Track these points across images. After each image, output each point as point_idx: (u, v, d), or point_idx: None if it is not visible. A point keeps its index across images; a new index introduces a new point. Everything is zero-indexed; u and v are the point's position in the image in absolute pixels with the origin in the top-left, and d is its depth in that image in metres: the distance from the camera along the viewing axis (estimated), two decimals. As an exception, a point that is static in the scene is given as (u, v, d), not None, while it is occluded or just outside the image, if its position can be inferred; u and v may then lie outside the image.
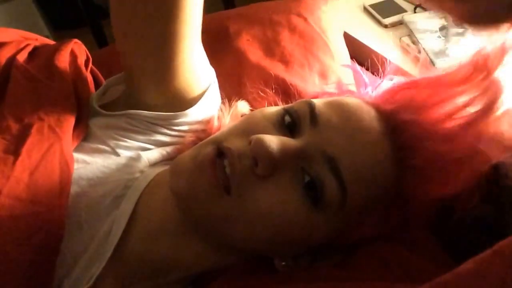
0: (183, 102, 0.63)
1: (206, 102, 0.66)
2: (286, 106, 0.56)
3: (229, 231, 0.50)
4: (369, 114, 0.53)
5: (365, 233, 0.54)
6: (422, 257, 0.52)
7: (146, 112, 0.62)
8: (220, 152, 0.49)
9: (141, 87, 0.62)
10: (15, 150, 0.53)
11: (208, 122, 0.67)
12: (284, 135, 0.51)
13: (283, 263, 0.55)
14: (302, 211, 0.48)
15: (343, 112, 0.52)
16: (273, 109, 0.55)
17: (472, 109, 0.52)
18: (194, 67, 0.61)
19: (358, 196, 0.49)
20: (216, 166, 0.48)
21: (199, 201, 0.49)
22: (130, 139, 0.62)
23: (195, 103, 0.64)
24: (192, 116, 0.64)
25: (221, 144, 0.50)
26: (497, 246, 0.33)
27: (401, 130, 0.52)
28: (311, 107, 0.52)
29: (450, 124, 0.52)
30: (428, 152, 0.50)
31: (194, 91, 0.64)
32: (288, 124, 0.53)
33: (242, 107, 0.72)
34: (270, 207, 0.48)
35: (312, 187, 0.48)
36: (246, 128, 0.53)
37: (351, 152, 0.49)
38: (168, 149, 0.64)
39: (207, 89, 0.65)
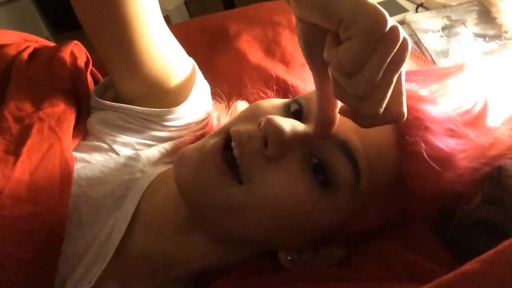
0: (168, 95, 0.64)
1: (197, 96, 0.66)
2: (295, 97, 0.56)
3: (236, 220, 0.50)
4: None
5: (368, 225, 0.54)
6: (424, 257, 0.52)
7: (139, 108, 0.62)
8: (228, 139, 0.49)
9: (116, 79, 0.64)
10: (15, 151, 0.53)
11: (205, 120, 0.68)
12: None
13: (288, 258, 0.55)
14: (310, 195, 0.48)
15: None
16: (279, 99, 0.55)
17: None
18: (162, 53, 0.62)
19: (367, 181, 0.49)
20: (224, 154, 0.48)
21: (206, 189, 0.49)
22: (125, 135, 0.63)
23: (185, 98, 0.64)
24: (184, 111, 0.65)
25: (229, 130, 0.50)
26: (500, 246, 0.33)
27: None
28: None
29: (453, 122, 0.52)
30: (429, 142, 0.50)
31: (173, 81, 0.64)
32: (295, 112, 0.53)
33: (242, 107, 0.72)
34: (279, 191, 0.48)
35: (320, 170, 0.48)
36: (254, 114, 0.52)
37: (360, 136, 0.49)
38: (167, 145, 0.65)
39: (194, 83, 0.66)
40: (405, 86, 0.39)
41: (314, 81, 0.43)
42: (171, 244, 0.55)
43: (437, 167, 0.50)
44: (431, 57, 0.89)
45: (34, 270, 0.48)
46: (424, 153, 0.49)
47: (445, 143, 0.50)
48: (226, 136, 0.50)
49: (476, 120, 0.53)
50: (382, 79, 0.35)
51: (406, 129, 0.52)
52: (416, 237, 0.55)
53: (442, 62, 0.87)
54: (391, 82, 0.36)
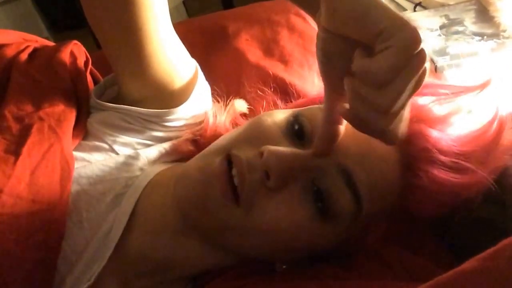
0: (171, 96, 0.64)
1: (197, 97, 0.66)
2: (296, 111, 0.54)
3: (235, 239, 0.51)
4: None
5: (367, 243, 0.55)
6: (424, 256, 0.52)
7: (140, 108, 0.62)
8: (229, 160, 0.49)
9: (120, 79, 0.64)
10: (15, 150, 0.53)
11: (203, 118, 0.68)
12: (294, 143, 0.51)
13: (284, 267, 0.55)
14: (311, 224, 0.48)
15: None
16: (282, 115, 0.54)
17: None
18: (169, 56, 0.62)
19: (369, 209, 0.49)
20: (228, 176, 0.48)
21: (209, 211, 0.49)
22: (126, 136, 0.63)
23: (186, 99, 0.64)
24: (185, 112, 0.65)
25: (229, 151, 0.50)
26: (500, 245, 0.33)
27: (409, 146, 0.52)
28: None
29: (458, 151, 0.51)
30: (433, 177, 0.50)
31: (176, 82, 0.64)
32: (299, 132, 0.52)
33: (239, 105, 0.72)
34: (279, 220, 0.48)
35: (320, 198, 0.48)
36: (256, 136, 0.52)
37: (364, 165, 0.48)
38: (166, 145, 0.65)
39: (196, 84, 0.66)
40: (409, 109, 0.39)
41: (325, 94, 0.42)
42: (169, 244, 0.55)
43: (436, 201, 0.50)
44: (429, 56, 0.89)
45: (34, 267, 0.48)
46: (426, 187, 0.49)
47: (450, 179, 0.50)
48: (228, 157, 0.49)
49: (488, 146, 0.52)
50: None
51: (413, 160, 0.51)
52: (416, 236, 0.55)
53: (440, 61, 0.87)
54: (406, 103, 0.36)
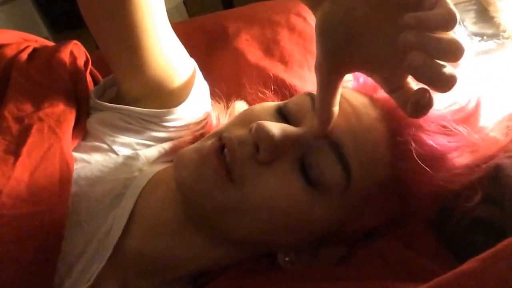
0: (170, 96, 0.64)
1: (196, 96, 0.66)
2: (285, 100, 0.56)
3: (232, 221, 0.51)
4: (363, 102, 0.53)
5: (365, 225, 0.55)
6: (424, 256, 0.52)
7: (139, 108, 0.63)
8: (222, 142, 0.50)
9: (119, 78, 0.64)
10: (15, 151, 0.53)
11: (204, 121, 0.68)
12: (283, 122, 0.52)
13: (286, 259, 0.55)
14: (303, 197, 0.49)
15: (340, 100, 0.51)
16: (272, 103, 0.56)
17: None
18: (167, 55, 0.62)
19: (360, 181, 0.50)
20: (220, 156, 0.49)
21: (204, 191, 0.49)
22: (125, 136, 0.63)
23: (185, 99, 0.65)
24: (184, 111, 0.65)
25: (221, 134, 0.51)
26: (499, 245, 0.33)
27: (395, 116, 0.52)
28: (313, 97, 0.52)
29: (446, 119, 0.52)
30: (421, 141, 0.50)
31: (175, 82, 0.64)
32: (287, 115, 0.53)
33: (240, 106, 0.72)
34: (272, 193, 0.48)
35: (311, 171, 0.49)
36: (246, 119, 0.53)
37: (353, 138, 0.49)
38: (166, 145, 0.65)
39: (194, 83, 0.66)
40: None
41: (322, 77, 0.43)
42: (169, 243, 0.55)
43: (427, 167, 0.50)
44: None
45: (33, 269, 0.48)
46: (415, 152, 0.50)
47: (437, 141, 0.50)
48: (221, 139, 0.51)
49: (469, 118, 0.53)
50: None
51: (399, 128, 0.52)
52: (416, 236, 0.55)
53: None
54: None
